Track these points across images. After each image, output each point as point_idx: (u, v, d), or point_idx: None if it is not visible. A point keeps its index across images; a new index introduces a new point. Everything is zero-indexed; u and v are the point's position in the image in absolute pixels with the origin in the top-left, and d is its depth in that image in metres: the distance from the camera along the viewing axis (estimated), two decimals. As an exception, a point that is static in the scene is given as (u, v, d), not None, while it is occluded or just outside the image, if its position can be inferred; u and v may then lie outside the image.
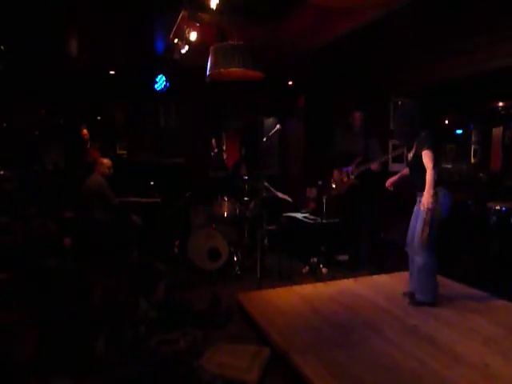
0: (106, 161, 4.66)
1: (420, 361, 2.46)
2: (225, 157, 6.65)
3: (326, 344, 2.70)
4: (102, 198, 4.47)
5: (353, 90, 6.00)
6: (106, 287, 2.80)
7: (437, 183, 3.18)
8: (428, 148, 3.17)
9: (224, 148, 6.79)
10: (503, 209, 4.18)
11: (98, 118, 6.34)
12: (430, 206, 3.13)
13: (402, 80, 5.88)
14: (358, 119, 4.72)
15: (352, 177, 4.62)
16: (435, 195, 3.15)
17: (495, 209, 4.25)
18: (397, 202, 4.54)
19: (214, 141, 6.55)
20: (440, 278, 3.57)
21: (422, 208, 3.21)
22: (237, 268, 4.64)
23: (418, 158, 3.26)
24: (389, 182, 3.71)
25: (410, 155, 3.39)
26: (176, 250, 5.14)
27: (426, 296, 3.32)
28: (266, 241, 4.75)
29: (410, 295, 3.44)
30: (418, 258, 3.32)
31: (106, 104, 6.26)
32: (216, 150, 6.53)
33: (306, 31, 4.37)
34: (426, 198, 3.16)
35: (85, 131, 5.92)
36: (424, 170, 3.17)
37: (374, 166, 4.42)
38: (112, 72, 5.79)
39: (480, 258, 4.17)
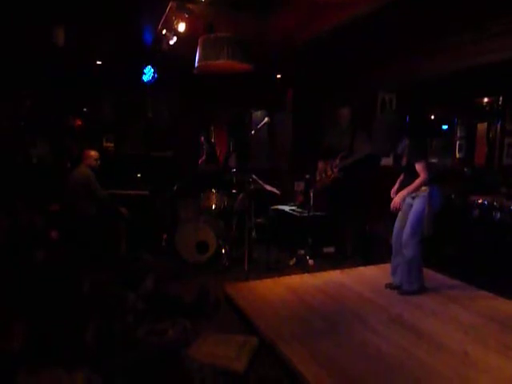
0: (93, 153, 4.62)
1: (404, 349, 2.53)
2: (218, 152, 6.63)
3: (313, 334, 2.75)
4: (89, 190, 4.43)
5: (340, 85, 6.04)
6: (95, 279, 2.80)
7: (429, 181, 3.35)
8: (421, 160, 3.34)
9: (213, 141, 6.76)
10: (485, 202, 4.28)
11: (85, 109, 6.26)
12: (398, 202, 3.42)
13: (389, 75, 5.92)
14: (345, 116, 4.73)
15: (335, 170, 4.67)
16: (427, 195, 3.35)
17: (478, 202, 4.35)
18: (382, 196, 4.60)
19: (202, 138, 6.52)
20: (424, 270, 3.65)
21: (391, 206, 3.45)
22: (225, 260, 4.66)
23: (410, 165, 3.40)
24: (392, 192, 3.69)
25: (404, 162, 3.48)
26: (164, 242, 5.15)
27: (412, 286, 3.45)
28: (253, 233, 4.78)
29: (395, 287, 3.56)
30: (406, 251, 3.42)
31: (93, 95, 6.18)
32: (204, 147, 6.50)
33: (296, 25, 4.37)
34: (400, 195, 3.42)
35: (78, 121, 5.83)
36: (416, 176, 3.35)
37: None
38: (99, 62, 5.71)
39: (462, 250, 4.27)
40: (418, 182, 3.36)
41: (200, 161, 6.49)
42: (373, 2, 3.64)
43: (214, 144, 6.64)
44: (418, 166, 3.35)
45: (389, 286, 3.63)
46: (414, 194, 3.46)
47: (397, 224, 3.60)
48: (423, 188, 3.39)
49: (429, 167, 3.35)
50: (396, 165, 3.77)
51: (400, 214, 3.58)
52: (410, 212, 3.46)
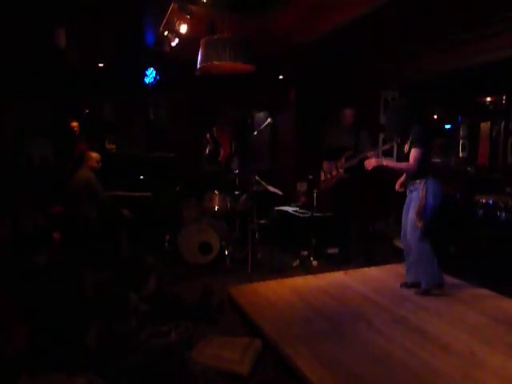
0: (94, 155, 4.62)
1: (408, 350, 2.51)
2: (221, 152, 6.62)
3: (317, 335, 2.73)
4: (91, 192, 4.43)
5: (343, 85, 6.02)
6: (97, 281, 2.79)
7: (425, 174, 3.35)
8: (418, 146, 3.32)
9: (216, 141, 6.75)
10: (490, 202, 4.25)
11: (87, 111, 6.26)
12: (373, 164, 3.46)
13: (391, 75, 5.91)
14: (349, 116, 4.69)
15: (341, 170, 4.64)
16: (424, 185, 3.33)
17: (482, 202, 4.32)
18: (385, 196, 4.58)
19: (208, 136, 6.52)
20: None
21: (366, 164, 3.50)
22: (228, 261, 4.65)
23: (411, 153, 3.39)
24: (397, 184, 3.76)
25: (406, 147, 3.47)
26: (166, 244, 5.14)
27: (428, 283, 3.40)
28: (256, 234, 4.77)
29: (409, 286, 3.56)
30: (414, 248, 3.41)
31: (95, 97, 6.18)
32: (209, 147, 6.49)
33: (297, 25, 4.37)
34: (378, 160, 3.51)
35: (74, 124, 5.84)
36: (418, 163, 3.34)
37: (372, 154, 4.34)
38: (101, 64, 5.72)
39: (467, 250, 4.24)
40: (403, 164, 3.41)
41: (204, 156, 6.47)
42: (373, 1, 3.63)
43: (218, 143, 6.63)
44: (413, 152, 3.33)
45: (404, 284, 3.62)
46: (412, 187, 3.47)
47: (403, 221, 3.60)
48: (417, 181, 3.38)
49: (423, 160, 3.33)
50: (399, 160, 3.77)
51: (404, 209, 3.60)
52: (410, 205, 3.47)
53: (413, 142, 3.36)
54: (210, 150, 6.51)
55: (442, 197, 3.40)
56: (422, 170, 3.36)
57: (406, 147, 3.46)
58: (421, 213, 3.31)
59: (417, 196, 3.37)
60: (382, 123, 6.08)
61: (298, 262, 4.67)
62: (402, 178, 3.69)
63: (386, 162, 3.55)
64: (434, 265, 3.39)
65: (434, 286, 3.40)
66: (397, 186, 3.75)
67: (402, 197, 3.69)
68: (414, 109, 3.52)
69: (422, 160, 3.33)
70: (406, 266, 3.64)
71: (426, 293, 3.39)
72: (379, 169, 3.59)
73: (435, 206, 3.34)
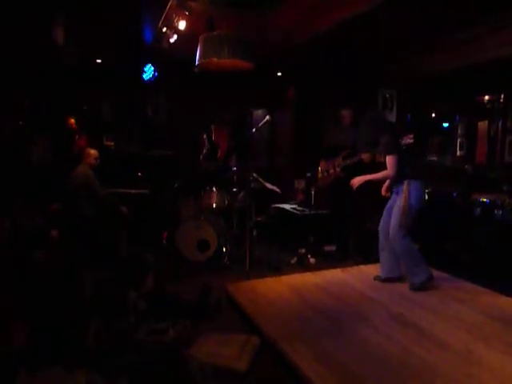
0: (93, 151, 4.60)
1: (405, 347, 2.52)
2: (219, 153, 6.62)
3: (314, 332, 2.75)
4: (89, 189, 4.42)
5: (342, 83, 6.01)
6: (96, 279, 2.79)
7: (406, 176, 3.41)
8: (391, 153, 3.39)
9: (214, 140, 6.74)
10: (487, 201, 4.27)
11: (85, 108, 6.24)
12: (356, 184, 3.58)
13: (390, 74, 5.92)
14: (347, 117, 4.68)
15: (338, 169, 4.64)
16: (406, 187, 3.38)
17: (480, 201, 4.34)
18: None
19: (204, 136, 6.51)
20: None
21: (351, 185, 3.62)
22: (226, 259, 4.66)
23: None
24: (383, 190, 3.83)
25: (383, 158, 3.54)
26: (164, 241, 5.14)
27: (418, 277, 3.45)
28: (254, 232, 4.77)
29: (382, 280, 3.69)
30: (395, 247, 3.48)
31: (93, 94, 6.16)
32: (206, 148, 6.47)
33: (296, 23, 4.36)
34: (360, 178, 3.58)
35: (72, 121, 5.82)
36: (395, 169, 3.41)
37: (366, 156, 4.37)
38: (99, 61, 5.70)
39: (464, 248, 4.26)
40: (381, 173, 3.46)
41: (201, 156, 6.47)
42: (373, 1, 3.63)
43: (215, 144, 6.61)
44: (388, 160, 3.39)
45: (377, 278, 3.74)
46: (395, 189, 3.54)
47: (382, 218, 3.68)
48: (399, 183, 3.45)
49: (400, 164, 3.37)
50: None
51: (385, 209, 3.67)
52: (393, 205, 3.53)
53: (384, 150, 3.44)
54: (207, 150, 6.50)
55: (424, 197, 3.51)
56: (402, 173, 3.42)
57: (383, 156, 3.51)
58: (405, 213, 3.37)
59: (401, 197, 3.44)
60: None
61: (295, 259, 4.69)
62: (387, 183, 3.76)
63: (366, 177, 3.61)
64: (420, 259, 3.46)
65: (425, 280, 3.45)
66: (383, 192, 3.82)
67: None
68: (385, 119, 3.58)
69: (400, 164, 3.39)
70: (380, 260, 3.74)
71: (419, 288, 3.44)
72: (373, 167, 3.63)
73: (417, 206, 3.41)
